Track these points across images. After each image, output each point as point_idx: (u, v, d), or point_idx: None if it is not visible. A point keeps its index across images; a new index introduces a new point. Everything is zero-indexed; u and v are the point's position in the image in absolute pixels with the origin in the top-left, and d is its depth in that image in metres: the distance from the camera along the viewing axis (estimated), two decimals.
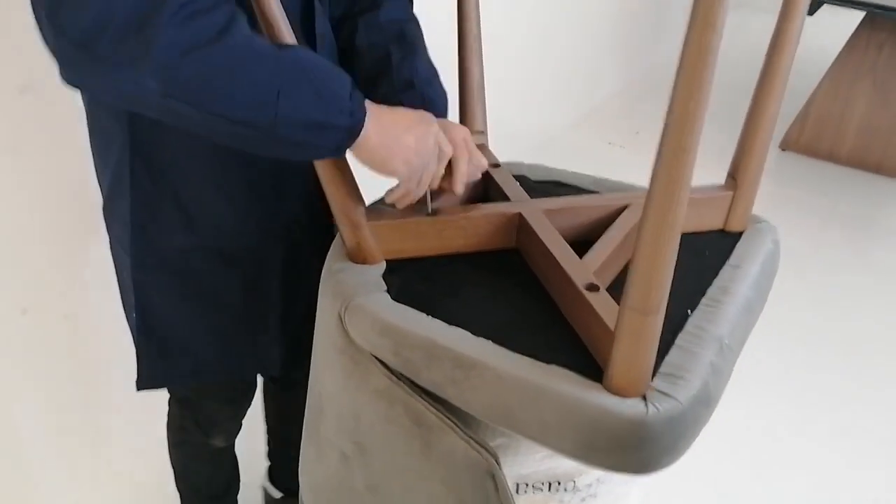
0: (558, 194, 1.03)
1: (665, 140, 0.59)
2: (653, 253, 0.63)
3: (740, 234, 0.97)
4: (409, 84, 0.92)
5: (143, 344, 1.01)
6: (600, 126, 3.39)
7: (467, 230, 0.90)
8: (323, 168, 0.82)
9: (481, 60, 1.05)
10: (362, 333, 0.82)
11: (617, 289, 0.70)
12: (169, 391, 1.19)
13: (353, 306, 0.82)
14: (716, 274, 0.88)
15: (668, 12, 4.01)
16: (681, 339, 0.77)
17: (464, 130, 0.90)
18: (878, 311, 2.27)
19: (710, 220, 0.97)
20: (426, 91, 0.93)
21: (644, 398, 0.69)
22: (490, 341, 0.77)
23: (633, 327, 0.66)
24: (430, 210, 0.89)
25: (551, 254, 0.83)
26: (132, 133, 0.86)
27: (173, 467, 1.32)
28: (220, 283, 0.98)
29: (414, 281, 0.86)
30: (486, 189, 1.02)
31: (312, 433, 0.97)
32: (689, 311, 0.82)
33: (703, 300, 0.84)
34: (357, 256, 0.88)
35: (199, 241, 0.94)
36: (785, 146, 3.38)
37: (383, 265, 0.88)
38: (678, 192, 0.60)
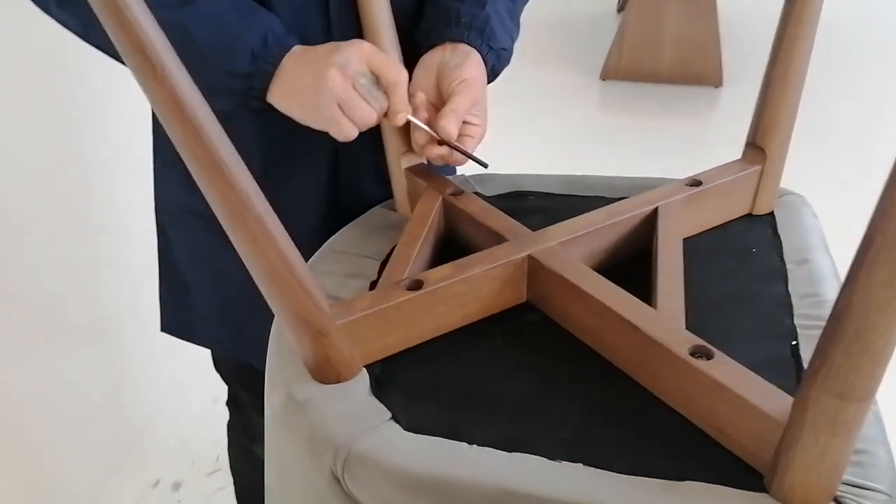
0: (529, 209, 0.80)
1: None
2: (874, 321, 0.41)
3: (771, 214, 0.79)
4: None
5: (163, 287, 0.99)
6: None
7: (466, 296, 0.64)
8: (267, 265, 0.52)
9: None
10: (379, 496, 0.54)
11: None
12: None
13: (357, 457, 0.54)
14: (784, 279, 0.69)
15: None
16: None
17: (359, 46, 0.69)
18: None
19: (737, 206, 0.78)
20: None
21: (837, 503, 0.48)
22: (581, 465, 0.52)
23: (830, 417, 0.44)
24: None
25: (605, 306, 0.59)
26: None
27: (231, 472, 1.28)
28: (221, 257, 0.85)
29: (419, 391, 0.59)
30: (449, 228, 0.76)
31: None
32: (792, 342, 0.62)
33: (798, 321, 0.64)
34: (327, 374, 0.59)
35: (198, 207, 0.81)
36: (605, 75, 3.39)
37: (365, 376, 0.60)
38: None
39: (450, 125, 0.72)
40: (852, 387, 0.42)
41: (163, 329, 1.01)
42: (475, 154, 0.75)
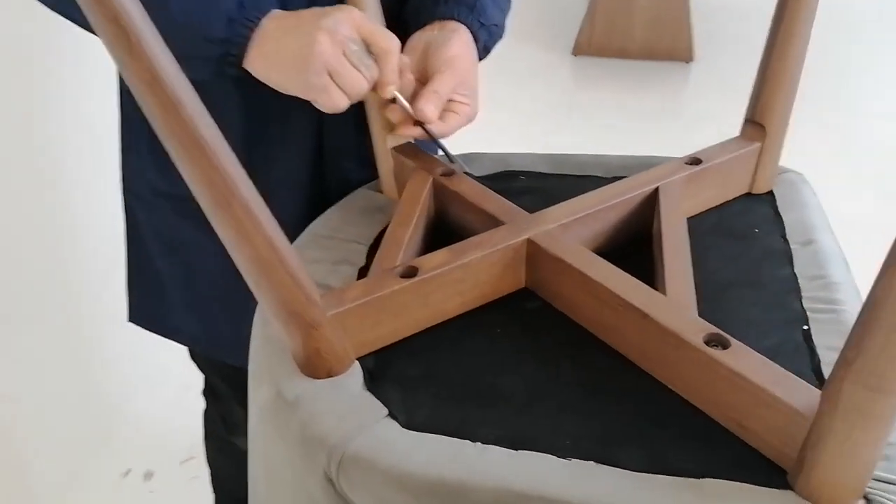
0: (521, 190, 0.76)
1: None
2: None
3: (770, 193, 0.76)
4: None
5: (131, 275, 0.93)
6: None
7: (463, 283, 0.60)
8: (253, 253, 0.47)
9: None
10: (376, 499, 0.50)
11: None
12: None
13: (352, 458, 0.50)
14: (790, 260, 0.67)
15: None
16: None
17: (348, 11, 0.64)
18: None
19: (736, 185, 0.75)
20: None
21: (867, 500, 0.46)
22: (593, 463, 0.49)
23: (864, 411, 0.42)
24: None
25: (611, 292, 0.56)
26: None
27: (207, 463, 1.23)
28: (195, 243, 0.83)
29: (416, 384, 0.56)
30: (440, 210, 0.72)
31: None
32: (803, 326, 0.59)
33: (807, 304, 0.61)
34: (318, 369, 0.55)
35: (169, 187, 0.82)
36: (577, 51, 3.38)
37: (358, 370, 0.57)
38: None
39: (427, 106, 0.68)
40: (890, 379, 0.40)
41: (131, 319, 0.95)
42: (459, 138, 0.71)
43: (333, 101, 0.64)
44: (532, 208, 0.66)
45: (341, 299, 0.55)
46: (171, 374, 1.65)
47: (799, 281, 0.64)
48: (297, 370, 0.56)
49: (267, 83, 0.66)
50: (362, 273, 0.66)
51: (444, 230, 0.72)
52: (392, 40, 0.65)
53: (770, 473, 0.48)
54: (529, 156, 0.83)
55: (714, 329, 0.51)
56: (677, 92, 3.14)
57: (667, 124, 2.78)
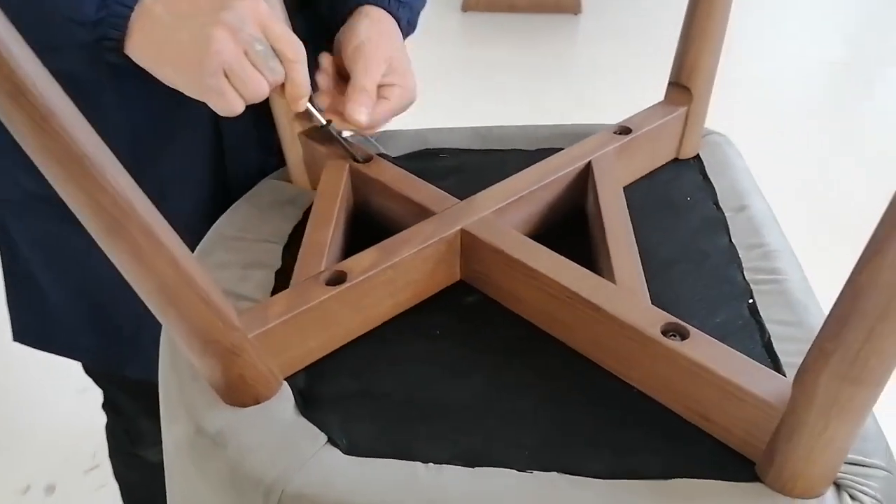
0: (444, 170, 0.72)
1: None
2: (887, 299, 0.35)
3: (697, 157, 0.74)
4: None
5: (10, 290, 0.83)
6: None
7: (395, 284, 0.55)
8: (157, 282, 0.40)
9: None
10: None
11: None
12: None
13: (294, 496, 0.45)
14: (726, 229, 0.65)
15: None
16: (786, 356, 0.53)
17: (253, 4, 0.56)
18: None
19: (664, 151, 0.73)
20: None
21: (837, 486, 0.45)
22: (556, 473, 0.45)
23: (843, 404, 0.39)
24: (357, 158, 0.65)
25: (558, 284, 0.52)
26: None
27: (116, 479, 1.13)
28: (82, 249, 0.70)
29: (355, 403, 0.50)
30: (361, 201, 0.66)
31: None
32: (748, 300, 0.58)
33: (749, 275, 0.60)
34: (242, 396, 0.49)
35: (44, 189, 0.62)
36: (466, 7, 3.34)
37: (288, 392, 0.51)
38: None
39: (359, 111, 0.62)
40: (872, 371, 0.38)
41: (16, 339, 0.85)
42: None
43: (229, 105, 0.56)
44: (459, 191, 0.62)
45: (263, 317, 0.49)
46: (66, 377, 1.52)
47: (738, 251, 0.62)
48: (217, 399, 0.49)
49: (158, 77, 0.57)
50: (279, 276, 0.59)
51: (367, 221, 0.66)
52: (300, 48, 0.59)
53: (738, 466, 0.46)
54: (448, 131, 0.78)
55: (671, 318, 0.49)
56: (568, 45, 3.14)
57: (560, 78, 2.78)
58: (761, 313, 0.56)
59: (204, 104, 0.57)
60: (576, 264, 0.53)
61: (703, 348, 0.47)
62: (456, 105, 2.38)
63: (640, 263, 0.54)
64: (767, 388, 0.44)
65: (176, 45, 0.54)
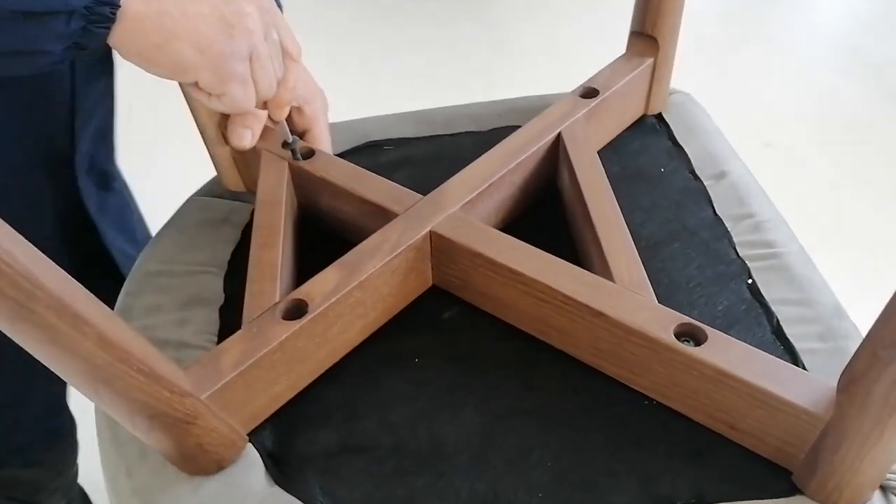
0: (392, 163, 0.64)
1: None
2: None
3: (662, 119, 0.68)
4: None
5: None
6: None
7: (364, 304, 0.48)
8: (84, 364, 0.32)
9: None
10: None
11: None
12: None
13: None
14: (708, 200, 0.60)
15: None
16: (800, 342, 0.48)
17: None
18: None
19: (633, 110, 0.67)
20: None
21: (882, 489, 0.41)
22: None
23: None
24: (297, 154, 0.56)
25: (553, 290, 0.45)
26: None
27: None
28: None
29: (337, 461, 0.43)
30: (306, 203, 0.58)
31: None
32: (747, 280, 0.53)
33: (742, 251, 0.55)
34: (204, 465, 0.41)
35: None
36: None
37: (255, 456, 0.43)
38: None
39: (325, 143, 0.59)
40: None
41: None
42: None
43: (248, 98, 0.48)
44: (413, 185, 0.54)
45: (216, 370, 0.41)
46: None
47: (725, 224, 0.57)
48: (173, 478, 0.41)
49: (136, 58, 0.44)
50: (224, 313, 0.51)
51: (315, 226, 0.58)
52: (299, 47, 0.51)
53: (774, 478, 0.41)
54: (387, 118, 0.69)
55: (683, 318, 0.43)
56: None
57: (475, 21, 2.65)
58: (764, 294, 0.52)
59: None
60: (565, 262, 0.47)
61: (724, 351, 0.41)
62: (373, 65, 2.24)
63: (637, 254, 0.48)
64: (803, 393, 0.39)
65: (195, 18, 0.43)
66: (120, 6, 0.41)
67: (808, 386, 0.40)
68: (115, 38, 0.42)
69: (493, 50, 2.27)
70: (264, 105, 0.51)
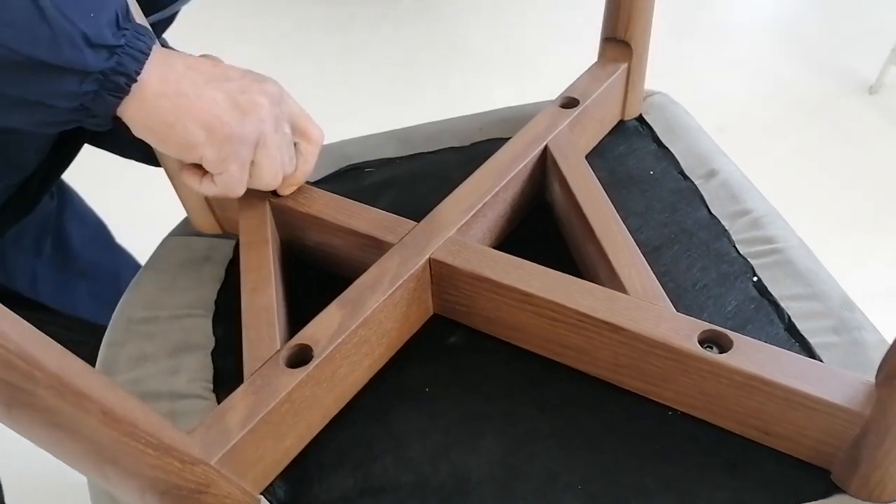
0: (375, 187, 0.62)
1: None
2: None
3: (643, 122, 0.68)
4: None
5: None
6: None
7: (370, 342, 0.45)
8: (89, 448, 0.29)
9: None
10: None
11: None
12: None
13: None
14: (702, 200, 0.59)
15: None
16: (814, 337, 0.47)
17: (279, 84, 0.50)
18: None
19: (610, 116, 0.66)
20: None
21: None
22: None
23: None
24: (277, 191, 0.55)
25: (565, 308, 0.44)
26: None
27: None
28: None
29: (363, 502, 0.41)
30: (290, 239, 0.55)
31: None
32: (752, 278, 0.52)
33: (743, 249, 0.54)
34: None
35: None
36: None
37: None
38: None
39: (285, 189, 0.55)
40: None
41: None
42: None
43: (240, 183, 0.48)
44: (400, 209, 0.52)
45: (224, 430, 0.38)
46: None
47: (722, 222, 0.56)
48: None
49: (145, 133, 0.44)
50: (217, 358, 0.48)
51: (301, 261, 0.55)
52: (321, 132, 0.52)
53: (812, 480, 0.40)
54: (366, 140, 0.67)
55: (706, 325, 0.42)
56: None
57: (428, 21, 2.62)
58: (772, 291, 0.51)
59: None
60: (574, 278, 0.45)
61: (752, 355, 0.40)
62: (331, 75, 2.18)
63: (646, 263, 0.47)
64: (838, 390, 0.38)
65: (210, 103, 0.44)
66: (137, 81, 0.41)
67: (842, 383, 0.38)
68: (129, 111, 0.42)
69: (446, 48, 2.25)
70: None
